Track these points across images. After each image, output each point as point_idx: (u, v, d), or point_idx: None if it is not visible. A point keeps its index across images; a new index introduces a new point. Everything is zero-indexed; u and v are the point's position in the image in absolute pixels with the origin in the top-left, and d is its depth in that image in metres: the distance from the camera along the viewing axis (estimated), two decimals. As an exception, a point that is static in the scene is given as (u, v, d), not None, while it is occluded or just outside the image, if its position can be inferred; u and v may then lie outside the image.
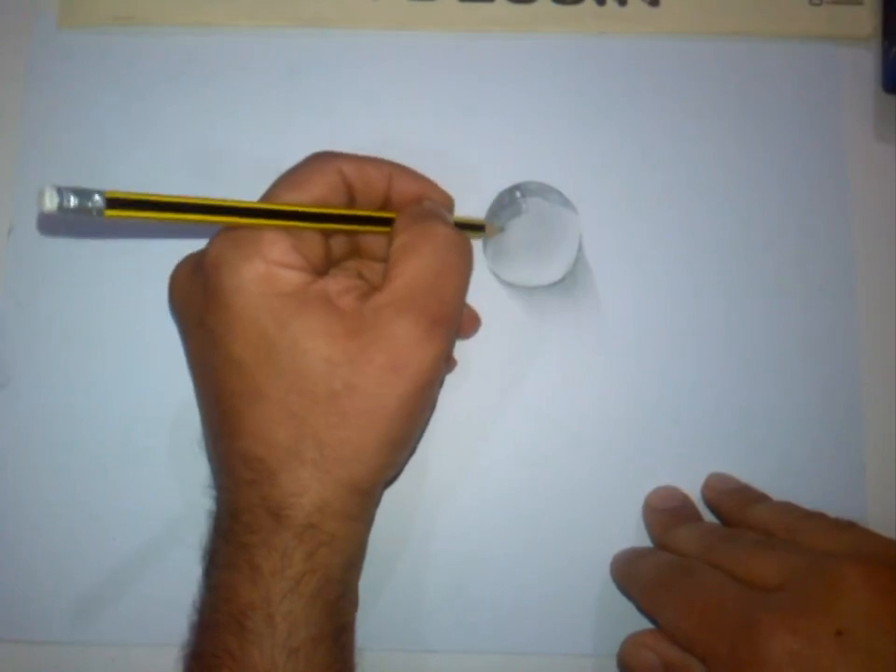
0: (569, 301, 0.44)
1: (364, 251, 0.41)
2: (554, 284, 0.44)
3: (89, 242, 0.44)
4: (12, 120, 0.46)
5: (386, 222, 0.38)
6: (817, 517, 0.38)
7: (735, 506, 0.40)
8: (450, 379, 0.43)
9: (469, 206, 0.43)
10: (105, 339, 0.44)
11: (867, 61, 0.46)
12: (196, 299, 0.36)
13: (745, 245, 0.44)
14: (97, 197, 0.31)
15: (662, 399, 0.43)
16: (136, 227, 0.44)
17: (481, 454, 0.43)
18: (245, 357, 0.35)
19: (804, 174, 0.45)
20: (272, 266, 0.35)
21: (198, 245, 0.37)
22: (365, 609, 0.39)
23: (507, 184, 0.44)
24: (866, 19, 0.46)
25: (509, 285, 0.44)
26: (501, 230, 0.43)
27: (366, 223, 0.38)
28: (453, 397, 0.43)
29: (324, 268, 0.37)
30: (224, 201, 0.35)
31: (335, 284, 0.36)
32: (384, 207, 0.39)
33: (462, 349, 0.43)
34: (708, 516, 0.42)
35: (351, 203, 0.38)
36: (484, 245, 0.44)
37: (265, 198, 0.37)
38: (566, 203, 0.43)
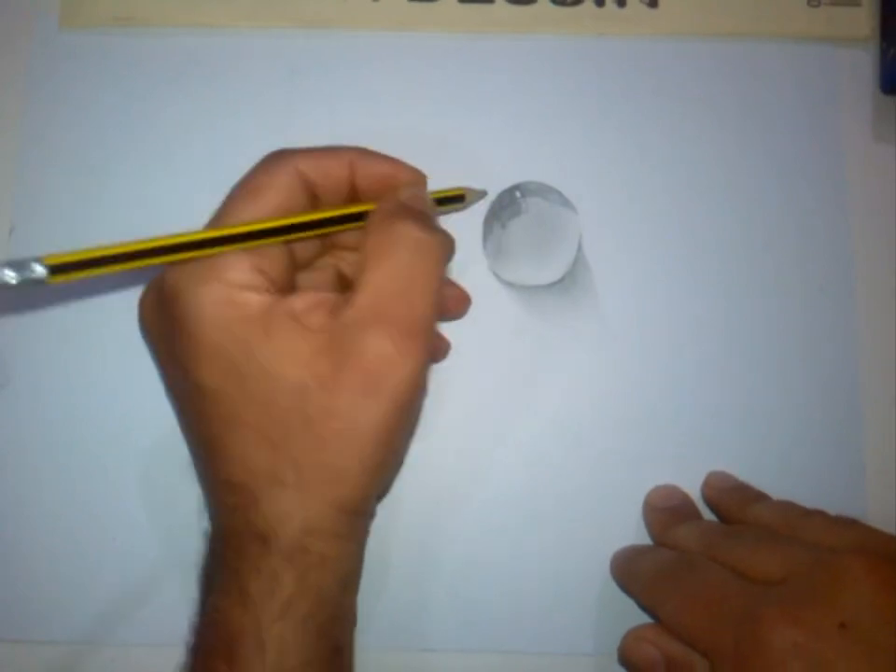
0: (569, 300, 0.44)
1: (340, 243, 0.39)
2: (554, 284, 0.44)
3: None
4: (12, 120, 0.46)
5: (357, 217, 0.36)
6: (818, 514, 0.38)
7: (735, 504, 0.40)
8: (449, 379, 0.43)
9: (469, 208, 0.43)
10: (104, 339, 0.44)
11: (865, 62, 0.46)
12: (164, 327, 0.35)
13: (745, 245, 0.44)
14: (36, 266, 0.29)
15: (662, 398, 0.43)
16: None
17: (481, 453, 0.43)
18: (216, 386, 0.34)
19: (803, 174, 0.45)
20: (231, 289, 0.33)
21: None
22: (365, 609, 0.39)
23: (507, 184, 0.44)
24: (864, 20, 0.47)
25: (509, 285, 0.44)
26: (484, 193, 0.42)
27: (335, 223, 0.36)
28: (452, 396, 0.43)
29: (289, 280, 0.36)
30: (176, 237, 0.33)
31: (301, 301, 0.34)
32: (352, 197, 0.37)
33: (462, 349, 0.43)
34: (708, 515, 0.42)
35: (314, 200, 0.36)
36: (484, 244, 0.44)
37: (221, 214, 0.35)
38: (566, 203, 0.43)
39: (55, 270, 0.30)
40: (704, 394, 0.43)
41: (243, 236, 0.34)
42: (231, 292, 0.33)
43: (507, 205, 0.43)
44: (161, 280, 0.35)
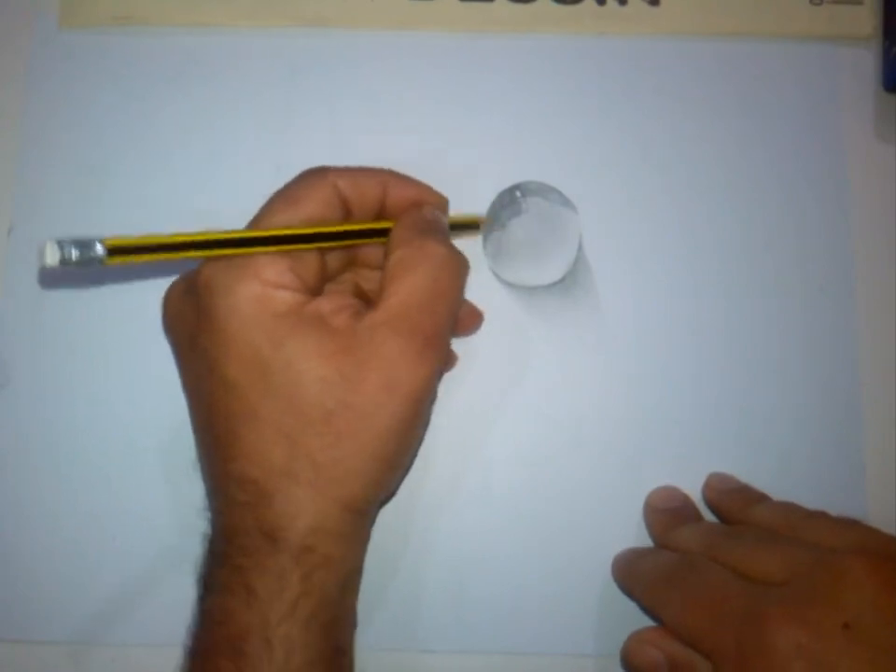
0: (569, 300, 0.44)
1: (360, 261, 0.41)
2: (554, 284, 0.44)
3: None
4: (12, 120, 0.46)
5: (383, 233, 0.38)
6: (819, 515, 0.38)
7: (735, 506, 0.40)
8: (450, 379, 0.43)
9: (469, 206, 0.43)
10: (105, 339, 0.44)
11: (867, 60, 0.46)
12: (189, 320, 0.36)
13: (745, 245, 0.44)
14: (98, 246, 0.31)
15: (662, 399, 0.43)
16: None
17: (481, 453, 0.43)
18: (240, 379, 0.35)
19: (804, 174, 0.45)
20: (266, 287, 0.35)
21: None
22: (365, 609, 0.39)
23: (507, 184, 0.44)
24: (866, 18, 0.46)
25: (509, 284, 0.44)
26: (495, 222, 0.43)
27: (362, 237, 0.38)
28: (453, 396, 0.43)
29: (319, 285, 0.37)
30: (221, 233, 0.35)
31: (329, 303, 0.36)
32: (380, 215, 0.39)
33: (462, 349, 0.43)
34: (709, 516, 0.42)
35: (347, 215, 0.38)
36: (484, 244, 0.44)
37: (259, 218, 0.37)
38: (566, 202, 0.43)
39: (113, 251, 0.31)
40: (704, 394, 0.43)
41: (280, 239, 0.36)
42: (266, 290, 0.35)
43: (507, 205, 0.43)
44: (195, 274, 0.36)
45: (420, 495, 0.42)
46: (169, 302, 0.38)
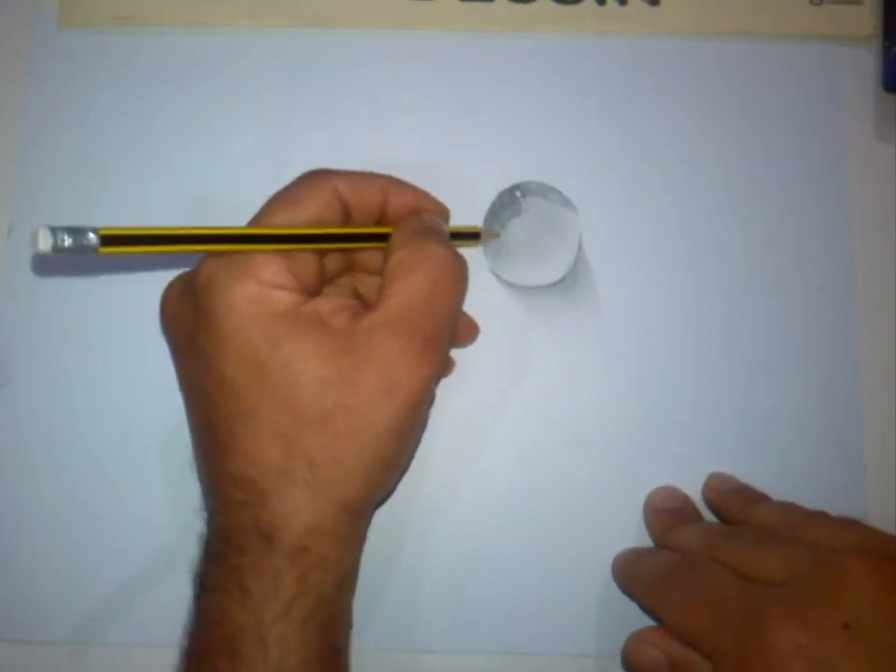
0: (569, 301, 0.44)
1: (359, 265, 0.41)
2: (554, 284, 0.44)
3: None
4: (12, 120, 0.46)
5: (382, 238, 0.38)
6: (819, 515, 0.38)
7: (735, 506, 0.40)
8: (450, 379, 0.43)
9: (469, 207, 0.43)
10: (104, 339, 0.44)
11: (867, 60, 0.46)
12: (187, 319, 0.36)
13: (745, 245, 0.44)
14: (91, 235, 0.31)
15: (662, 399, 0.43)
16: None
17: (481, 453, 0.43)
18: (237, 378, 0.35)
19: (804, 174, 0.45)
20: (264, 287, 0.35)
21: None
22: (364, 610, 0.39)
23: (507, 184, 0.44)
24: (866, 18, 0.46)
25: (509, 285, 0.44)
26: (497, 235, 0.43)
27: (361, 240, 0.38)
28: (453, 396, 0.43)
29: (317, 287, 0.37)
30: (218, 229, 0.35)
31: (327, 304, 0.35)
32: (380, 221, 0.39)
33: (463, 349, 0.43)
34: (709, 516, 0.42)
35: (347, 219, 0.38)
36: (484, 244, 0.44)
37: (259, 217, 0.37)
38: (566, 202, 0.43)
39: (106, 241, 0.31)
40: (704, 394, 0.43)
41: (278, 238, 0.36)
42: (263, 289, 0.35)
43: (507, 205, 0.43)
44: (194, 273, 0.36)
45: (420, 495, 0.42)
46: (167, 302, 0.38)
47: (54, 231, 0.30)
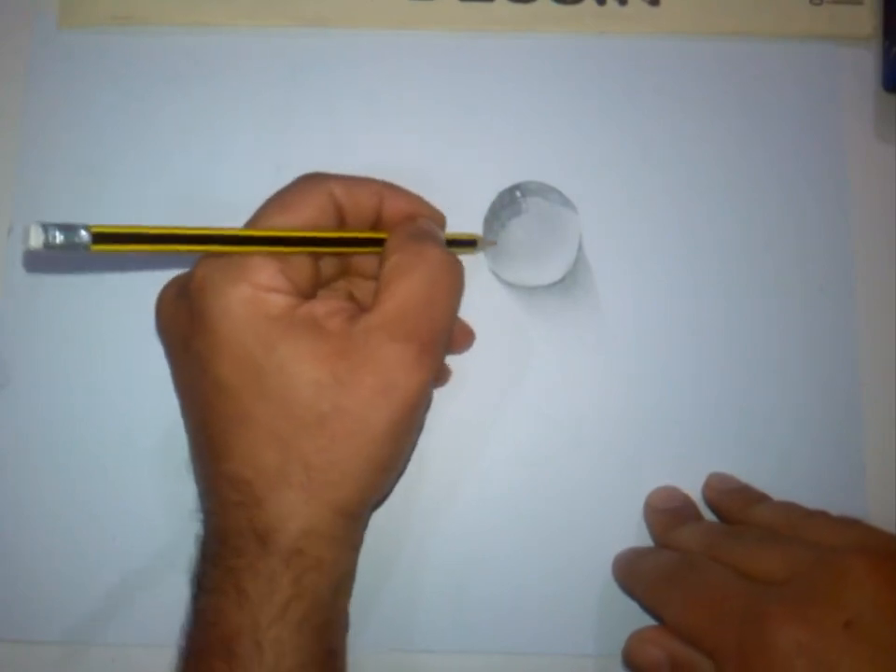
0: (569, 301, 0.44)
1: (354, 269, 0.41)
2: (554, 284, 0.44)
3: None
4: (12, 120, 0.46)
5: (377, 243, 0.38)
6: (819, 515, 0.38)
7: (735, 506, 0.40)
8: (449, 379, 0.43)
9: (469, 207, 0.43)
10: (104, 339, 0.44)
11: (867, 60, 0.46)
12: (182, 322, 0.36)
13: (745, 245, 0.44)
14: (83, 232, 0.31)
15: (662, 399, 0.43)
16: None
17: (481, 453, 0.43)
18: (232, 381, 0.35)
19: (804, 174, 0.45)
20: (258, 290, 0.34)
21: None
22: (364, 610, 0.39)
23: (507, 184, 0.44)
24: (866, 18, 0.46)
25: (509, 285, 0.44)
26: (493, 243, 0.43)
27: (356, 245, 0.38)
28: (453, 396, 0.43)
29: (312, 290, 0.37)
30: (211, 229, 0.35)
31: (322, 306, 0.35)
32: (375, 227, 0.39)
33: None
34: (709, 516, 0.42)
35: (341, 224, 0.38)
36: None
37: (254, 220, 0.37)
38: (566, 202, 0.43)
39: (99, 238, 0.31)
40: (704, 394, 0.43)
41: (272, 240, 0.35)
42: (258, 292, 0.35)
43: (507, 205, 0.43)
44: (188, 276, 0.36)
45: (421, 495, 0.42)
46: (162, 305, 0.38)
47: (46, 227, 0.30)
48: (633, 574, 0.40)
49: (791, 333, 0.44)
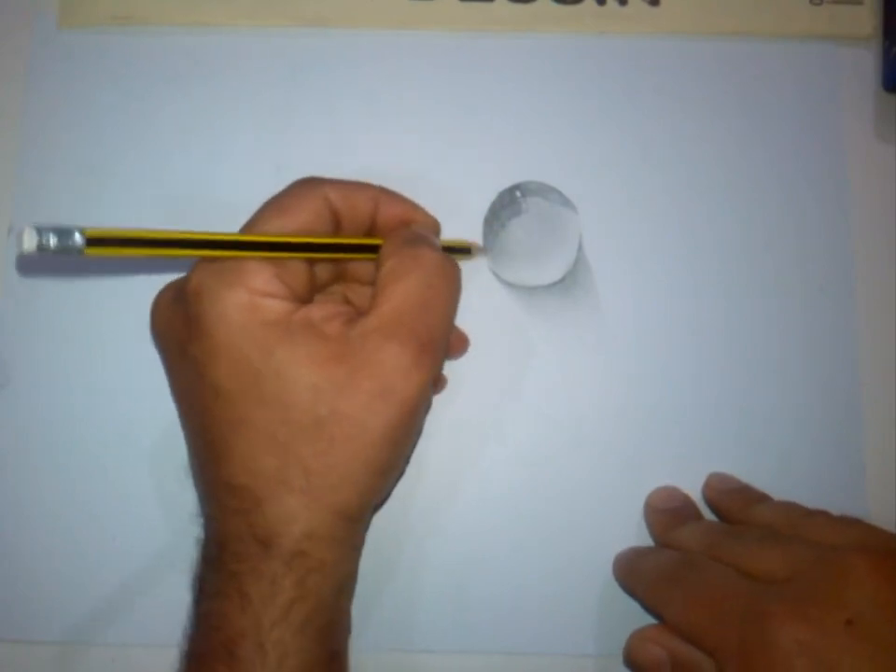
0: (569, 301, 0.44)
1: (350, 275, 0.41)
2: (554, 284, 0.44)
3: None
4: (12, 120, 0.46)
5: (373, 249, 0.38)
6: (820, 514, 0.38)
7: (736, 506, 0.40)
8: (450, 379, 0.43)
9: (469, 207, 0.43)
10: (104, 339, 0.44)
11: (867, 60, 0.46)
12: (178, 327, 0.36)
13: (745, 245, 0.44)
14: (77, 236, 0.30)
15: (662, 399, 0.43)
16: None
17: (481, 453, 0.43)
18: (230, 386, 0.35)
19: (804, 174, 0.45)
20: (254, 295, 0.34)
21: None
22: (364, 610, 0.39)
23: (507, 184, 0.44)
24: (866, 18, 0.46)
25: (509, 285, 0.44)
26: (488, 251, 0.43)
27: (352, 251, 0.38)
28: (453, 396, 0.43)
29: (308, 295, 0.37)
30: (206, 234, 0.34)
31: (319, 310, 0.35)
32: (370, 232, 0.39)
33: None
34: (709, 516, 0.42)
35: (337, 228, 0.38)
36: (484, 244, 0.44)
37: (250, 225, 0.37)
38: (566, 202, 0.43)
39: (92, 242, 0.31)
40: (704, 394, 0.43)
41: (267, 245, 0.35)
42: (254, 298, 0.34)
43: (507, 205, 0.43)
44: (184, 281, 0.36)
45: (421, 495, 0.42)
46: (158, 310, 0.38)
47: (40, 230, 0.30)
48: (633, 574, 0.40)
49: (791, 333, 0.44)
